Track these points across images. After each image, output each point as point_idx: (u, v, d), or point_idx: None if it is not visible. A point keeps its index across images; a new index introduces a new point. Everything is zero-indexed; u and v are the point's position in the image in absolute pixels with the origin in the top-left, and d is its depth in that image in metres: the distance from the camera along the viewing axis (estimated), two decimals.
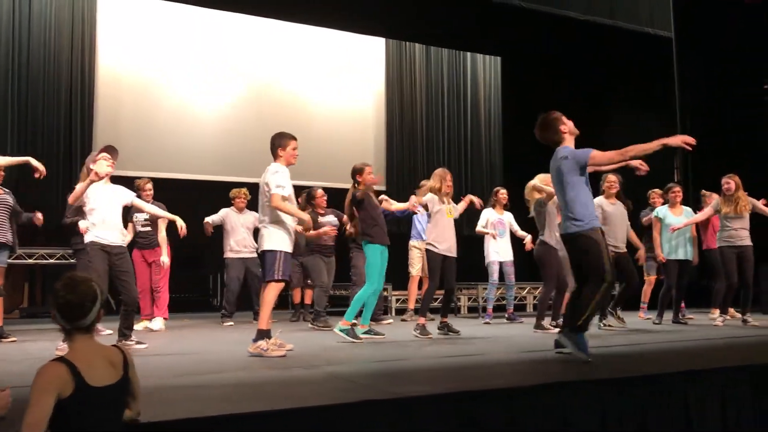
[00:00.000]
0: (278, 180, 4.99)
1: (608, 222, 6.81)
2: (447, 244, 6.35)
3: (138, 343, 5.44)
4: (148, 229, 7.43)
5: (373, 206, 6.29)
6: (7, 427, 2.54)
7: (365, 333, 6.05)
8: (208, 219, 8.02)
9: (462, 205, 6.87)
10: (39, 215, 6.50)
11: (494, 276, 8.34)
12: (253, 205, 7.84)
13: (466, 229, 10.35)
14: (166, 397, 3.18)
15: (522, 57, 12.83)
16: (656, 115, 13.14)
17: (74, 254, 7.13)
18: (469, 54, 13.14)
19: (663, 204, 8.12)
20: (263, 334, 4.87)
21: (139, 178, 7.64)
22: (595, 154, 4.45)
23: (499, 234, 8.35)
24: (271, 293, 4.98)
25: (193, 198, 8.65)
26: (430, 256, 6.40)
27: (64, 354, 2.37)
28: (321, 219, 7.79)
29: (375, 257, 6.10)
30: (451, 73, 12.98)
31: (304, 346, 5.51)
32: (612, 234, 6.77)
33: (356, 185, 6.28)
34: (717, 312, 8.07)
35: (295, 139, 5.20)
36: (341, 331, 5.87)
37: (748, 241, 7.41)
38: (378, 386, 3.41)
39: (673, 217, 7.71)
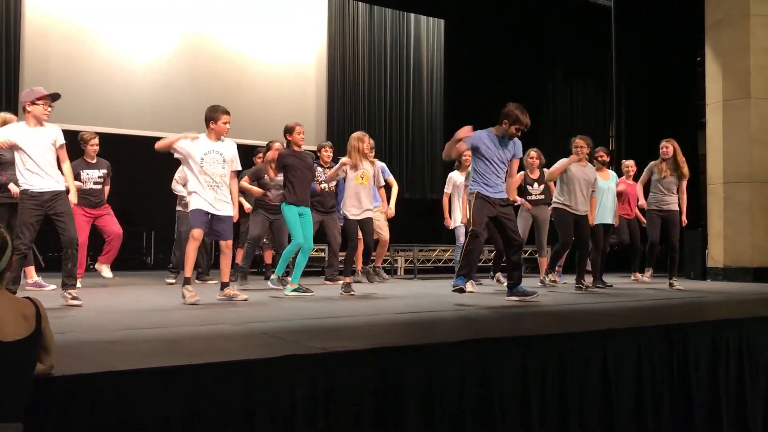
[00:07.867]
0: None
1: None
2: (361, 208, 6.49)
3: (74, 298, 5.08)
4: (99, 187, 7.14)
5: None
6: None
7: (294, 291, 6.08)
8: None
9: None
10: None
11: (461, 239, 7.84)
12: None
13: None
14: (83, 352, 3.11)
15: (465, 21, 12.81)
16: (593, 83, 13.41)
17: None
18: (412, 15, 13.03)
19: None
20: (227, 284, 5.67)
21: (75, 131, 7.32)
22: None
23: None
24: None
25: (123, 154, 8.37)
26: (347, 222, 6.54)
27: None
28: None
29: (293, 215, 6.26)
30: (394, 32, 12.87)
31: (235, 303, 5.51)
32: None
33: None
34: (641, 275, 8.43)
35: (227, 113, 5.56)
36: (292, 291, 6.07)
37: (675, 207, 7.66)
38: (301, 342, 3.42)
39: (601, 181, 7.80)
